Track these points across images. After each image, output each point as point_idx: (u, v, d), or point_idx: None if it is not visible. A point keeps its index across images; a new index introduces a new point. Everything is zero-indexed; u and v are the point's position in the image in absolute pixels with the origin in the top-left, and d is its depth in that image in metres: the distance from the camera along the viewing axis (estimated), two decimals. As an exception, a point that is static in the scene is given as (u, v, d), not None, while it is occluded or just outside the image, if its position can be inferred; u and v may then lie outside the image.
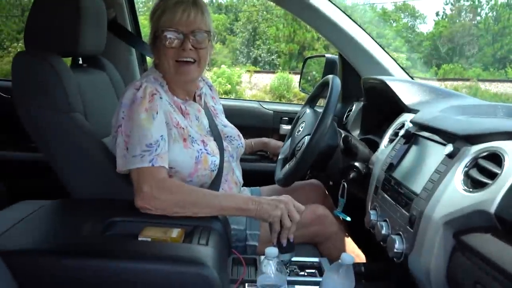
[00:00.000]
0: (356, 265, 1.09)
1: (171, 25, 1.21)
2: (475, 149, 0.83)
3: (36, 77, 1.21)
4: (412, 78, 1.79)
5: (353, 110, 1.79)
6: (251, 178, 1.60)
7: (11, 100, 1.72)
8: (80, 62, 1.51)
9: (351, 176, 1.34)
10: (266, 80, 14.31)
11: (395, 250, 0.93)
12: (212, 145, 1.31)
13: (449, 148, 0.87)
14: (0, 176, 1.94)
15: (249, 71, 14.90)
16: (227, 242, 1.12)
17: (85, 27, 1.32)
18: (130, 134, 1.14)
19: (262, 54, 17.80)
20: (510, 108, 1.10)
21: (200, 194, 1.15)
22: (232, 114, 1.68)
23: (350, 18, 1.77)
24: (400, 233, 0.94)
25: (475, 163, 0.81)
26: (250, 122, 2.02)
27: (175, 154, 1.20)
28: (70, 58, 1.50)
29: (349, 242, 1.43)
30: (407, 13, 20.78)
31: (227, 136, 1.43)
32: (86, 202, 1.24)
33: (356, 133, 1.70)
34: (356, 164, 1.34)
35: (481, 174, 0.77)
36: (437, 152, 0.93)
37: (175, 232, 0.99)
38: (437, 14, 21.04)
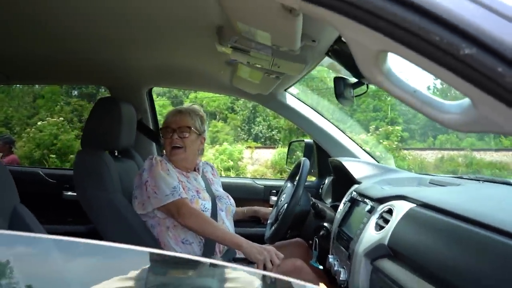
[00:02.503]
0: None
1: (166, 124, 1.86)
2: (381, 206, 1.29)
3: (92, 168, 1.71)
4: (377, 161, 2.24)
5: (325, 183, 2.28)
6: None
7: (55, 184, 2.26)
8: (116, 154, 2.03)
9: (321, 233, 1.80)
10: (267, 155, 14.73)
11: (341, 279, 1.36)
12: (205, 195, 1.84)
13: (368, 207, 1.34)
14: None
15: (250, 147, 15.33)
16: None
17: (123, 129, 1.85)
18: (156, 184, 1.70)
19: (262, 130, 18.38)
20: (422, 179, 1.59)
21: (213, 224, 1.69)
22: (230, 189, 2.16)
23: (320, 113, 2.33)
24: (344, 267, 1.38)
25: (381, 215, 1.27)
26: (245, 195, 2.48)
27: None
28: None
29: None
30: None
31: (217, 196, 1.94)
32: None
33: (328, 201, 2.17)
34: (325, 224, 1.80)
35: (383, 221, 1.23)
36: (364, 210, 1.40)
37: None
38: (428, 88, 22.25)
